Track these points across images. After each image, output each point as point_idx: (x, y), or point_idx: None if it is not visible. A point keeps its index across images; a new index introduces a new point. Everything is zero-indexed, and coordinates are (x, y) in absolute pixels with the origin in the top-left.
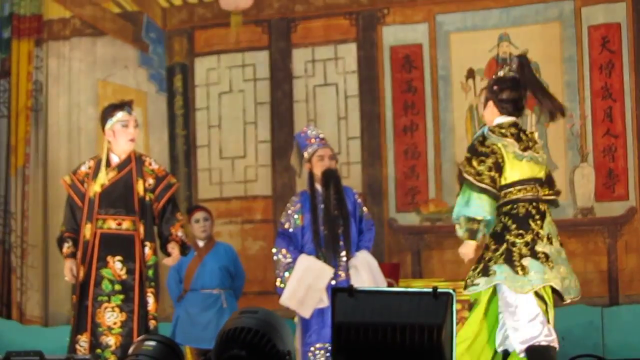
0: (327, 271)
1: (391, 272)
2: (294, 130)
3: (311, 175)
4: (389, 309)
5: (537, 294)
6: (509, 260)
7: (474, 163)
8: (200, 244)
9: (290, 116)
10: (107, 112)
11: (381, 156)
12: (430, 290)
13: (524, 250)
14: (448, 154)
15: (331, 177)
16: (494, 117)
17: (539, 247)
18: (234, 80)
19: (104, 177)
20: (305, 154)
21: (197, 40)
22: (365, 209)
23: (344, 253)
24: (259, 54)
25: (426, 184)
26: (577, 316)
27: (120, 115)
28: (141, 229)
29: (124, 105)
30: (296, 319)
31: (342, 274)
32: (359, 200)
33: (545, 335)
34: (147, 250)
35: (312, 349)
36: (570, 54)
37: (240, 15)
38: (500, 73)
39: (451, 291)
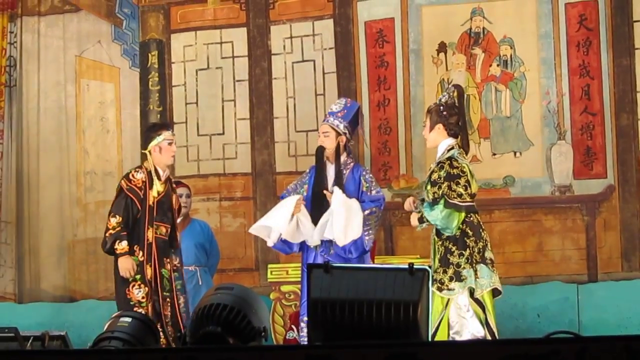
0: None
1: None
2: (273, 108)
3: None
4: (365, 286)
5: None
6: (471, 264)
7: (453, 186)
8: (177, 220)
9: (269, 93)
10: (153, 130)
11: (357, 132)
12: (406, 266)
13: (477, 257)
14: (418, 129)
15: (317, 155)
16: (441, 138)
17: (487, 254)
18: (212, 57)
19: (158, 188)
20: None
21: (172, 17)
22: (372, 186)
23: None
24: (237, 31)
25: (397, 159)
26: (553, 293)
27: (166, 133)
28: (174, 235)
29: (168, 125)
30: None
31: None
32: (367, 177)
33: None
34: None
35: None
36: (546, 30)
37: None
38: (443, 100)
39: (427, 268)
